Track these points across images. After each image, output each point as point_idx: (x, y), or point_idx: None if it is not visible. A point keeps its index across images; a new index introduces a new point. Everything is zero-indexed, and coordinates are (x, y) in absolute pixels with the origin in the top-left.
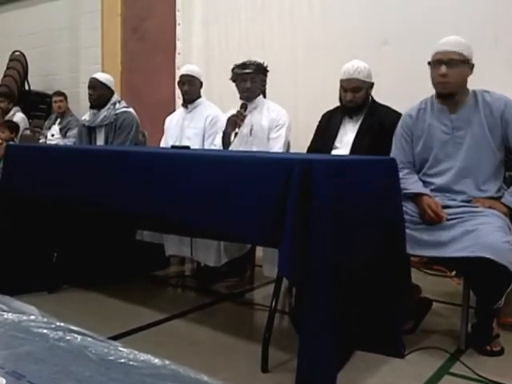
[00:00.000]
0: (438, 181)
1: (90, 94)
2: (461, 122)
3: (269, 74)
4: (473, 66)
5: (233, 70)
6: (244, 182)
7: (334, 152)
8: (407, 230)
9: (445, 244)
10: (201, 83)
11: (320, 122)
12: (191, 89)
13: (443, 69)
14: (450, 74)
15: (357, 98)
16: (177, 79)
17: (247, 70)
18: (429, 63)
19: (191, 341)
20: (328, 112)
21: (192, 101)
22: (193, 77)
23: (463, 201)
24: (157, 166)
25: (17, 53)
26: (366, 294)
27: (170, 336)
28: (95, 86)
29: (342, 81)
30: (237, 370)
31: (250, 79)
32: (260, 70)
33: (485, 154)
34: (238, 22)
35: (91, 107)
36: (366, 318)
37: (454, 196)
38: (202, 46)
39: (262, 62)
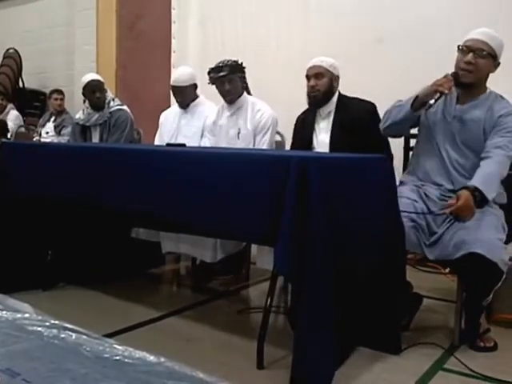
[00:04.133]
0: (431, 165)
1: (97, 97)
2: (462, 115)
3: (265, 71)
4: (498, 64)
5: (209, 73)
6: (241, 179)
7: None
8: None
9: (446, 246)
10: (195, 86)
11: (295, 125)
12: (184, 98)
13: (469, 56)
14: (476, 63)
15: (319, 86)
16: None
17: (222, 73)
18: (458, 47)
19: (187, 338)
20: (301, 114)
21: (187, 105)
22: (182, 87)
23: (453, 190)
24: (152, 163)
25: (11, 50)
26: (363, 291)
27: (165, 333)
28: (101, 88)
29: (306, 72)
30: (232, 366)
31: (228, 81)
32: (235, 70)
33: (476, 152)
34: (234, 20)
35: (96, 109)
36: (364, 315)
37: (446, 184)
38: (198, 45)
39: (235, 59)
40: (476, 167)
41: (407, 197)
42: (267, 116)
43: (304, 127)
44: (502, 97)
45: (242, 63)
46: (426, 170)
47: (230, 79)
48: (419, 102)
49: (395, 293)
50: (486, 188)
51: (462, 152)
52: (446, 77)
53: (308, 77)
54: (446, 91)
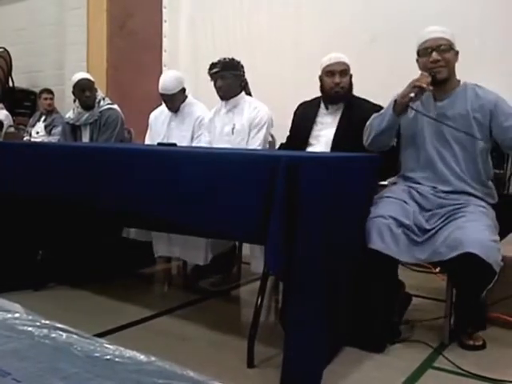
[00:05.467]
0: (421, 166)
1: (87, 96)
2: (445, 111)
3: (257, 70)
4: (457, 52)
5: (207, 72)
6: (231, 178)
7: (311, 148)
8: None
9: (439, 247)
10: (183, 89)
11: (295, 113)
12: (173, 104)
13: (434, 55)
14: (443, 59)
15: (343, 83)
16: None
17: (214, 70)
18: (418, 54)
19: (178, 337)
20: (304, 103)
21: (177, 109)
22: (171, 95)
23: (446, 191)
24: (143, 163)
25: (0, 49)
26: (351, 290)
27: (156, 333)
28: (91, 87)
29: (328, 66)
30: (223, 365)
31: (220, 78)
32: (228, 67)
33: (466, 144)
34: (226, 19)
35: (86, 108)
36: (351, 314)
37: (437, 185)
38: (189, 44)
39: (229, 58)
40: (467, 161)
41: (396, 197)
42: (263, 113)
43: (304, 118)
44: (477, 85)
45: (238, 62)
46: (417, 174)
47: (222, 76)
48: (400, 105)
49: (381, 293)
50: None
51: (453, 148)
52: (422, 74)
53: (333, 72)
54: (424, 85)
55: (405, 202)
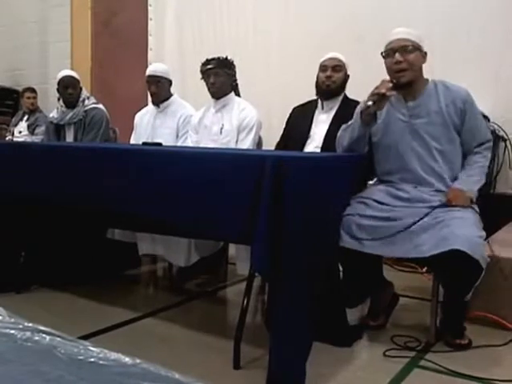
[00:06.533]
0: (399, 168)
1: (70, 94)
2: (418, 110)
3: (243, 70)
4: (425, 53)
5: (200, 68)
6: (217, 178)
7: (306, 146)
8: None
9: (422, 244)
10: (170, 82)
11: (290, 115)
12: (159, 90)
13: (397, 56)
14: (406, 60)
15: (335, 78)
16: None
17: (209, 66)
18: (383, 56)
19: (163, 339)
20: (299, 106)
21: (161, 101)
22: (160, 77)
23: (426, 191)
24: (128, 163)
25: None
26: (326, 288)
27: (141, 334)
28: (75, 84)
29: (322, 62)
30: (209, 367)
31: (213, 74)
32: (222, 65)
33: (443, 141)
34: (212, 17)
35: (68, 106)
36: (320, 310)
37: (418, 182)
38: (175, 42)
39: (225, 56)
40: (445, 158)
41: (368, 197)
42: (252, 115)
43: (302, 119)
44: (444, 81)
45: (232, 61)
46: (393, 176)
47: (216, 73)
48: (365, 114)
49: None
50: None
51: (429, 146)
52: (382, 81)
53: (325, 67)
54: (383, 90)
55: (376, 200)
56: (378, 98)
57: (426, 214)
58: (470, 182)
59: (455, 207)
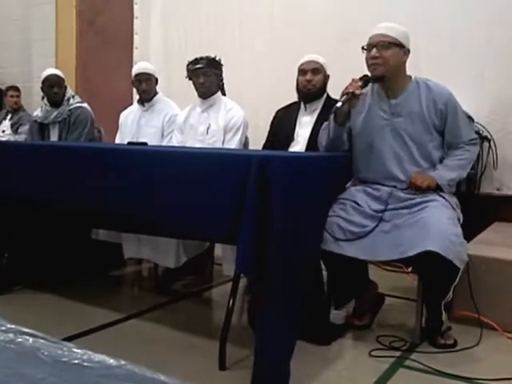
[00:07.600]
0: (376, 166)
1: (55, 93)
2: (400, 108)
3: (229, 70)
4: (408, 50)
5: (187, 66)
6: (203, 178)
7: (290, 148)
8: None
9: (401, 244)
10: (156, 80)
11: (274, 118)
12: (149, 87)
13: (373, 51)
14: (381, 56)
15: (315, 81)
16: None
17: (198, 65)
18: (363, 48)
19: (148, 340)
20: (282, 108)
21: (150, 99)
22: (149, 74)
23: (404, 189)
24: (113, 162)
25: None
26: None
27: (126, 336)
28: (60, 83)
29: (301, 65)
30: (194, 368)
31: (203, 74)
32: (212, 64)
33: (424, 140)
34: (198, 16)
35: (53, 105)
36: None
37: (395, 183)
38: (161, 41)
39: (214, 56)
40: (423, 159)
41: (347, 198)
42: (239, 115)
43: (285, 121)
44: (428, 79)
45: (219, 61)
46: (370, 175)
47: (205, 72)
48: (338, 114)
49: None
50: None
51: (408, 147)
52: (352, 80)
53: (304, 71)
54: (351, 90)
55: (355, 202)
56: (348, 97)
57: (402, 214)
58: (443, 170)
59: (429, 202)
